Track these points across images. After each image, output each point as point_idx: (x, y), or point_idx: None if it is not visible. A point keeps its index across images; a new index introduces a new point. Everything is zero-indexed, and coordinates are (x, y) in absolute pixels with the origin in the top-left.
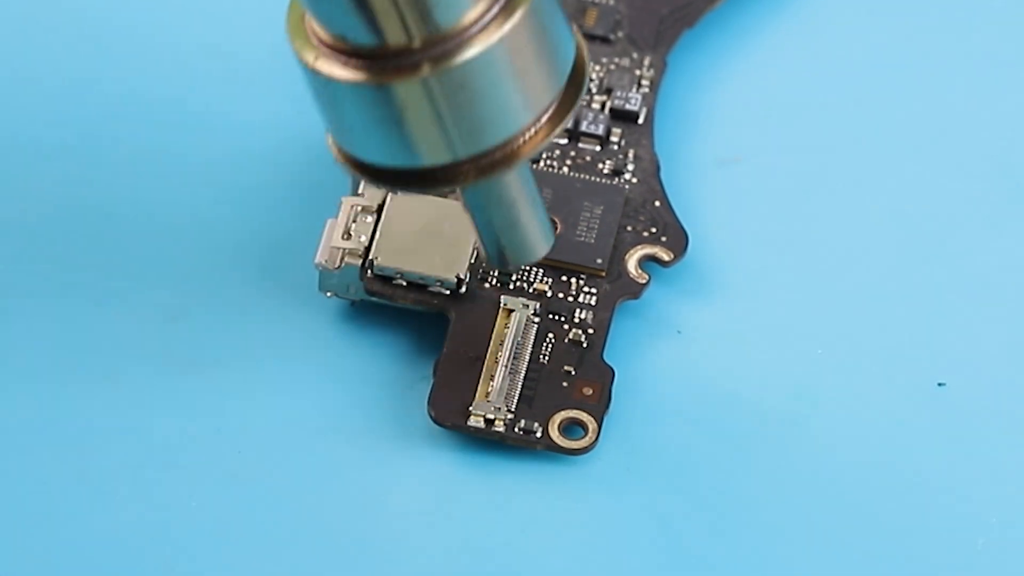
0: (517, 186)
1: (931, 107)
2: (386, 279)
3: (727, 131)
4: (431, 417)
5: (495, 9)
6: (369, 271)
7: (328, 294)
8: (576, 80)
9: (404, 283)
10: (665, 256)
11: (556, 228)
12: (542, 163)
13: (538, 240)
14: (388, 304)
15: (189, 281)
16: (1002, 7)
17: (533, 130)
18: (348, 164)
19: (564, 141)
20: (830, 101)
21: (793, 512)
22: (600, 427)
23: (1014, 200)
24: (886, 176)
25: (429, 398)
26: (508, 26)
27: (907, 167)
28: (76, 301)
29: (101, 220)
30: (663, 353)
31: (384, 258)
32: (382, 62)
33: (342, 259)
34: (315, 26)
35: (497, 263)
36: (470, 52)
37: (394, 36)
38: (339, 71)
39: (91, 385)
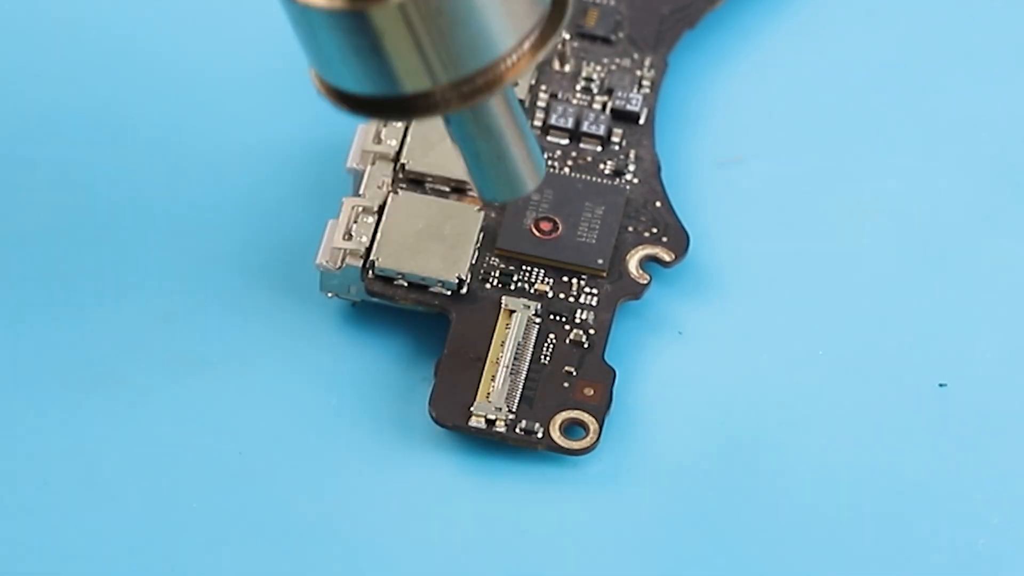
0: (503, 115)
1: (931, 107)
2: (387, 280)
3: (728, 131)
4: (432, 418)
5: None
6: (370, 272)
7: (329, 295)
8: (559, 4)
9: (405, 284)
10: (666, 256)
11: (557, 228)
12: None
13: (529, 173)
14: (389, 305)
15: (190, 281)
16: (1002, 7)
17: (516, 55)
18: (331, 95)
19: (565, 141)
20: (831, 101)
21: (794, 512)
22: (601, 427)
23: (1015, 200)
24: (887, 176)
25: (430, 399)
26: None
27: (908, 167)
28: (76, 301)
29: (101, 220)
30: (664, 354)
31: (385, 259)
32: None
33: (343, 260)
34: None
35: (488, 196)
36: None
37: None
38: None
39: (91, 385)
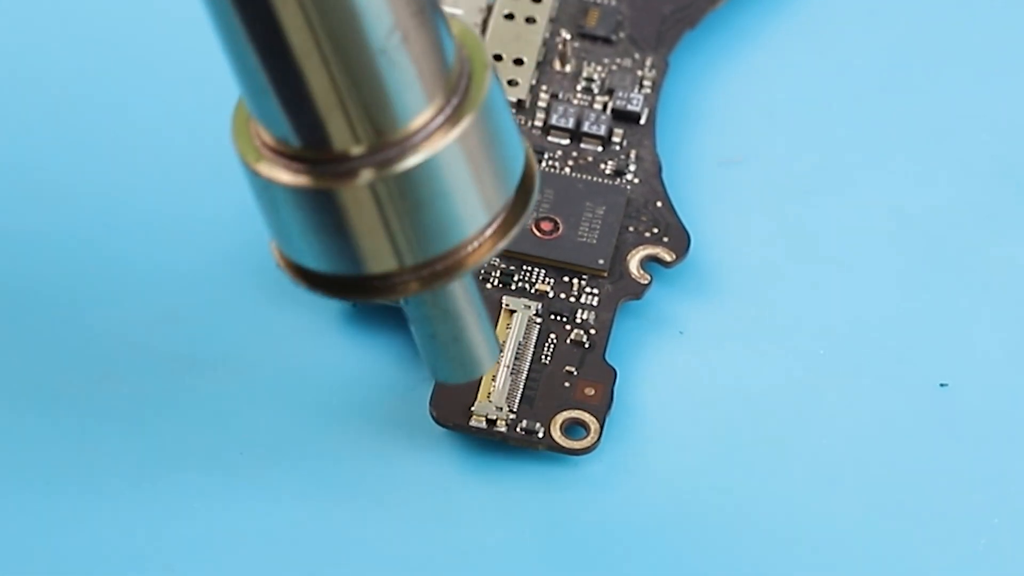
0: (462, 299)
1: (932, 107)
2: None
3: (729, 131)
4: (433, 418)
5: (442, 117)
6: None
7: None
8: (525, 189)
9: None
10: (667, 257)
11: (558, 229)
12: (544, 164)
13: (483, 355)
14: (389, 305)
15: (190, 281)
16: (1002, 7)
17: (479, 241)
18: (289, 269)
19: (566, 142)
20: (832, 101)
21: (794, 512)
22: (602, 427)
23: (1016, 200)
24: (887, 176)
25: (431, 399)
26: (454, 134)
27: (909, 167)
28: (76, 301)
29: (101, 220)
30: (665, 353)
31: None
32: (325, 167)
33: None
34: (259, 128)
35: (441, 377)
36: (414, 159)
37: (338, 141)
38: (280, 175)
39: (91, 385)
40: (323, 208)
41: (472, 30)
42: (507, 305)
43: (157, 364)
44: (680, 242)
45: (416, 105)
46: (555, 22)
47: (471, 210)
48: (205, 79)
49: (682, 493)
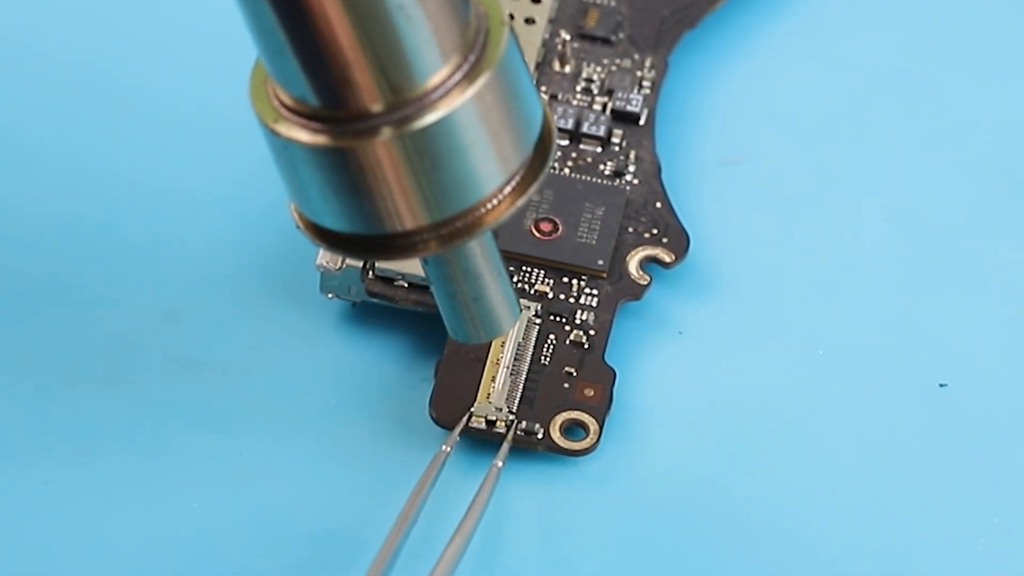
0: (481, 258)
1: (932, 107)
2: (387, 280)
3: (728, 132)
4: (432, 418)
5: (459, 74)
6: (370, 272)
7: (329, 295)
8: (543, 147)
9: (405, 284)
10: (666, 257)
11: (558, 229)
12: None
13: (504, 314)
14: (389, 305)
15: (190, 282)
16: (1002, 7)
17: (497, 198)
18: (308, 230)
19: (566, 142)
20: (831, 101)
21: (793, 513)
22: (601, 428)
23: (1015, 200)
24: (887, 176)
25: (430, 399)
26: (471, 91)
27: (908, 167)
28: (76, 301)
29: (101, 220)
30: (664, 354)
31: None
32: (343, 126)
33: (343, 260)
34: (277, 88)
35: (461, 337)
36: (432, 117)
37: (355, 99)
38: (299, 134)
39: (91, 385)
40: (342, 167)
41: None
42: None
43: (157, 364)
44: (679, 243)
45: (433, 62)
46: (554, 23)
47: (489, 168)
48: (207, 79)
49: (682, 493)
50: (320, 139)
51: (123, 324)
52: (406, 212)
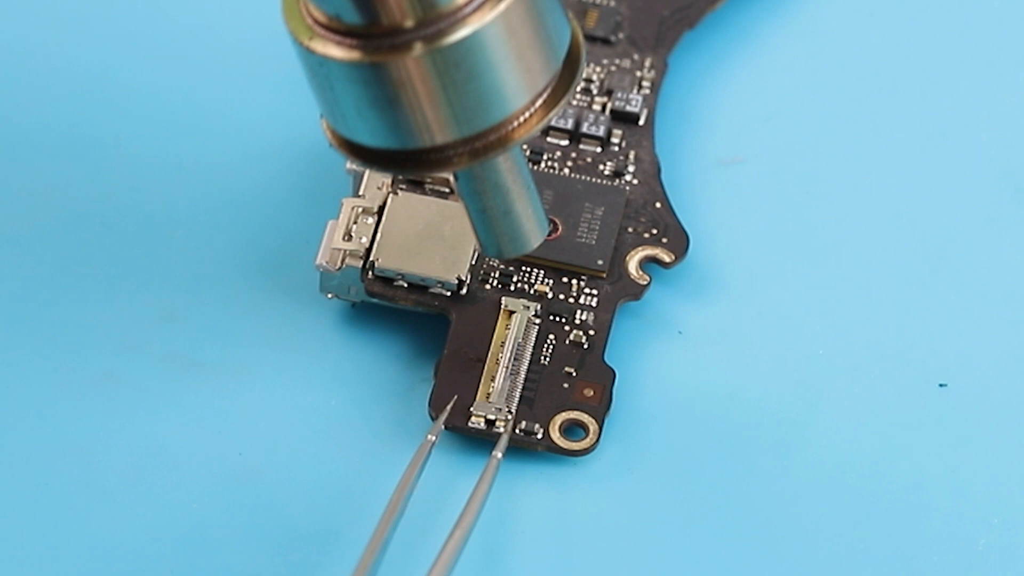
0: (511, 172)
1: (932, 107)
2: (387, 280)
3: (728, 132)
4: (432, 418)
5: None
6: (370, 272)
7: (329, 295)
8: (571, 64)
9: (405, 284)
10: (666, 257)
11: (557, 229)
12: (543, 165)
13: (533, 229)
14: (389, 305)
15: (190, 282)
16: (1002, 7)
17: (527, 113)
18: (342, 147)
19: (565, 142)
20: (831, 101)
21: (794, 512)
22: (601, 428)
23: (1015, 200)
24: (887, 176)
25: (430, 399)
26: (501, 7)
27: (908, 167)
28: (77, 301)
29: (101, 220)
30: (664, 353)
31: (385, 259)
32: (376, 41)
33: (343, 260)
34: (310, 6)
35: (492, 252)
36: (463, 31)
37: (388, 15)
38: (333, 50)
39: (91, 385)
40: (376, 81)
41: None
42: (506, 306)
43: (157, 363)
44: (679, 243)
45: None
46: None
47: (519, 82)
48: (207, 79)
49: (681, 493)
50: (354, 55)
51: (124, 323)
52: (438, 126)
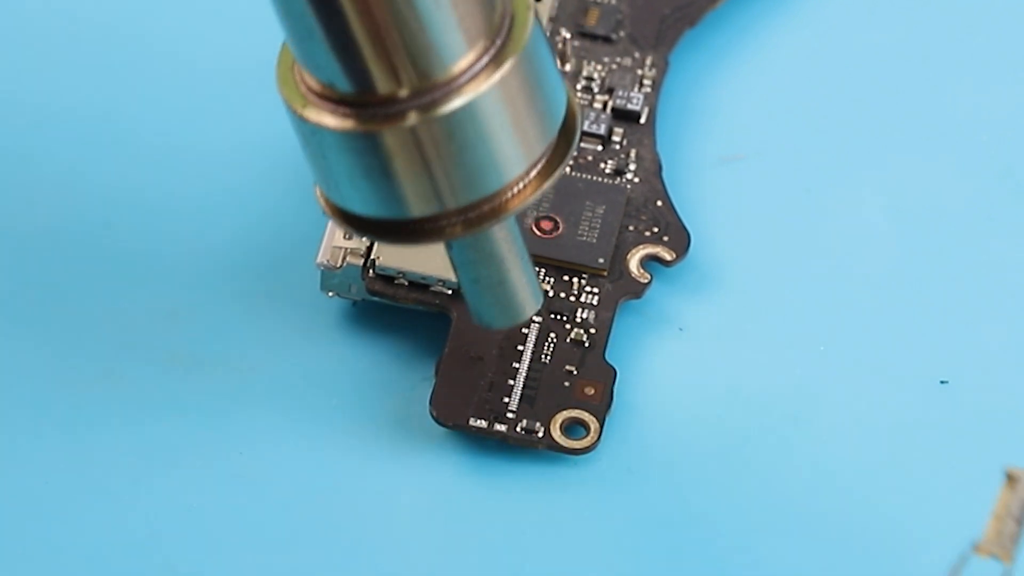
0: (505, 242)
1: (932, 106)
2: (388, 279)
3: (729, 130)
4: (433, 417)
5: (485, 59)
6: (371, 271)
7: (330, 294)
8: (567, 132)
9: (406, 283)
10: (667, 256)
11: (558, 228)
12: None
13: (527, 299)
14: (390, 304)
15: (190, 281)
16: (1002, 7)
17: (522, 183)
18: (336, 215)
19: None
20: (831, 99)
21: (794, 511)
22: (602, 427)
23: (1015, 199)
24: (887, 174)
25: (431, 398)
26: (497, 76)
27: (908, 165)
28: (77, 300)
29: (102, 220)
30: (665, 351)
31: (386, 258)
32: (370, 110)
33: (344, 259)
34: (304, 74)
35: (485, 322)
36: (458, 102)
37: (382, 84)
38: (327, 119)
39: (91, 384)
40: (369, 151)
41: None
42: None
43: (158, 362)
44: (680, 241)
45: (459, 47)
46: (555, 21)
47: (514, 153)
48: (206, 79)
49: (682, 491)
50: (348, 123)
51: (124, 322)
52: (432, 196)
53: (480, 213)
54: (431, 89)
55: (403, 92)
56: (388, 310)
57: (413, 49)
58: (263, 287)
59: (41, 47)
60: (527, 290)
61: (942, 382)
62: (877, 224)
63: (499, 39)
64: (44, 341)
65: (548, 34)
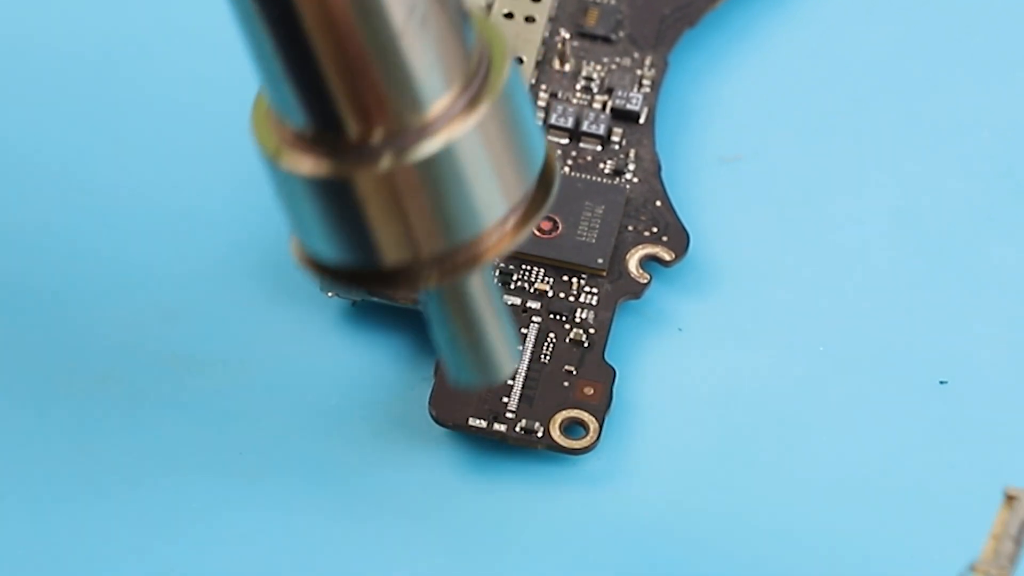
0: (482, 296)
1: (932, 105)
2: None
3: (728, 130)
4: (432, 417)
5: (461, 102)
6: None
7: (329, 294)
8: (545, 180)
9: None
10: (666, 256)
11: (557, 228)
12: None
13: (505, 356)
14: (390, 304)
15: (190, 281)
16: (1002, 7)
17: (499, 233)
18: (309, 265)
19: (565, 141)
20: (831, 99)
21: (794, 510)
22: (601, 427)
23: (1016, 200)
24: (887, 174)
25: (430, 398)
26: (473, 120)
27: (908, 165)
28: (76, 301)
29: (101, 220)
30: (664, 351)
31: None
32: (343, 155)
33: None
34: (278, 120)
35: (461, 380)
36: (433, 145)
37: (356, 128)
38: (300, 164)
39: (91, 385)
40: (342, 196)
41: (491, 19)
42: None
43: (157, 364)
44: (679, 241)
45: (435, 90)
46: (554, 21)
47: (491, 199)
48: (207, 79)
49: (682, 491)
50: (320, 168)
51: (123, 323)
52: (407, 243)
53: (455, 263)
54: (405, 132)
55: (376, 136)
56: (388, 310)
57: (387, 91)
58: (263, 287)
59: (41, 46)
60: (505, 347)
61: (942, 382)
62: (877, 224)
63: (475, 84)
64: (44, 341)
65: (547, 34)
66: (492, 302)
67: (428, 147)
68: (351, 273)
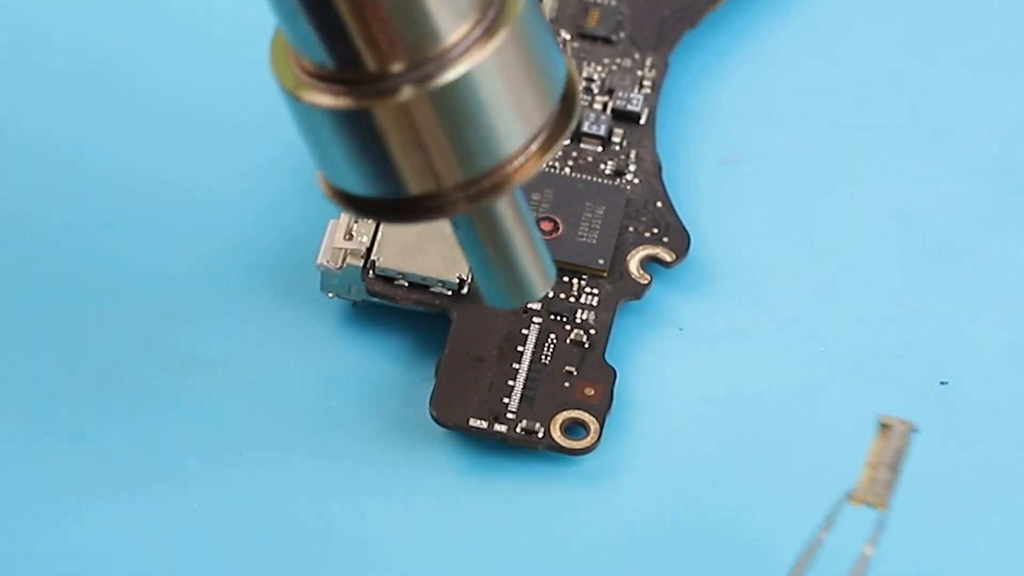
0: (511, 218)
1: (932, 106)
2: (388, 280)
3: (729, 131)
4: (433, 418)
5: (479, 30)
6: (371, 272)
7: (330, 295)
8: (567, 104)
9: (406, 283)
10: (667, 257)
11: (558, 229)
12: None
13: (538, 277)
14: (390, 305)
15: (190, 281)
16: (1002, 7)
17: (523, 156)
18: (335, 197)
19: (566, 142)
20: (831, 100)
21: (793, 510)
22: (602, 427)
23: (1016, 200)
24: (887, 175)
25: (431, 398)
26: (492, 46)
27: (908, 165)
28: (77, 301)
29: (101, 220)
30: (665, 351)
31: (386, 259)
32: (363, 87)
33: (344, 260)
34: (296, 55)
35: (496, 302)
36: (451, 74)
37: (375, 59)
38: (319, 98)
39: (91, 385)
40: (365, 128)
41: None
42: None
43: (157, 364)
44: (680, 242)
45: (452, 19)
46: (555, 22)
47: (513, 124)
48: (208, 79)
49: (682, 491)
50: (341, 101)
51: (124, 323)
52: (431, 172)
53: (481, 188)
54: (425, 62)
55: (396, 67)
56: (388, 311)
57: (405, 22)
58: (263, 287)
59: (43, 45)
60: (538, 268)
61: (942, 382)
62: (877, 224)
63: (492, 11)
64: (44, 342)
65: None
66: (523, 224)
67: (448, 76)
68: (378, 204)
